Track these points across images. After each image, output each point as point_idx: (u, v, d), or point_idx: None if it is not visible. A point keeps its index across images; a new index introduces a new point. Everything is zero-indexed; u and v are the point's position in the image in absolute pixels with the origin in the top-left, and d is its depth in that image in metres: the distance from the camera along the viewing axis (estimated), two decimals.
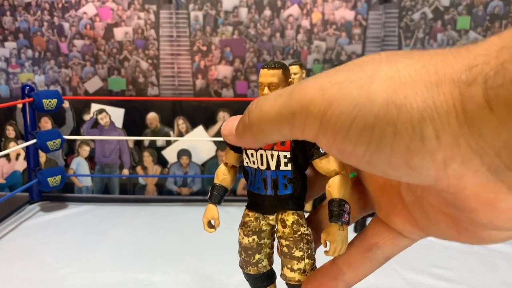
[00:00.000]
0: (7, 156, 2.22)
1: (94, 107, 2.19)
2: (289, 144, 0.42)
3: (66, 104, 2.16)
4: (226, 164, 0.49)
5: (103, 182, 2.24)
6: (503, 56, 0.17)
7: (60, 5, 2.14)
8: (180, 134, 2.18)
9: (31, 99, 1.83)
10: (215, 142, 2.15)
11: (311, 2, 2.16)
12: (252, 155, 0.42)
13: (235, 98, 2.11)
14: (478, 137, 0.18)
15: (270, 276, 0.46)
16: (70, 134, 2.16)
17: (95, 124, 2.19)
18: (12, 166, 2.24)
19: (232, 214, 1.88)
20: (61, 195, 2.09)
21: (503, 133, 0.17)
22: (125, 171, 2.22)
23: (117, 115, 2.19)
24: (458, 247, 1.57)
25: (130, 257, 1.44)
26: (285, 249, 0.39)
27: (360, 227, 1.69)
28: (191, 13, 2.13)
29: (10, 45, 2.18)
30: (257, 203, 0.45)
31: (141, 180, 2.24)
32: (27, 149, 1.94)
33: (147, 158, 2.21)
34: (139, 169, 2.23)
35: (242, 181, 2.18)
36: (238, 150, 0.47)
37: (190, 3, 2.13)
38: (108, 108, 2.18)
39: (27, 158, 1.99)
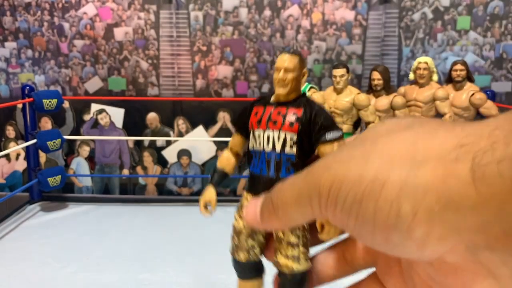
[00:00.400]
0: (7, 156, 2.22)
1: (94, 107, 2.19)
2: (297, 127, 0.43)
3: (66, 104, 2.16)
4: (231, 149, 0.51)
5: (103, 182, 2.24)
6: (494, 137, 0.17)
7: (60, 5, 2.14)
8: (180, 134, 2.18)
9: (31, 99, 1.83)
10: (215, 142, 2.16)
11: (311, 2, 2.16)
12: (259, 135, 0.44)
13: (235, 98, 2.11)
14: (456, 214, 0.18)
15: (258, 268, 0.44)
16: (70, 134, 2.16)
17: (95, 124, 2.19)
18: (12, 166, 2.24)
19: (231, 214, 1.88)
20: (61, 195, 2.09)
21: (483, 212, 0.18)
22: (125, 171, 2.22)
23: (117, 115, 2.19)
24: None
25: (131, 257, 1.44)
26: (280, 234, 0.38)
27: None
28: (191, 13, 2.14)
29: (10, 45, 2.18)
30: (257, 185, 0.46)
31: (141, 180, 2.24)
32: (27, 149, 1.94)
33: (147, 158, 2.22)
34: (139, 169, 2.23)
35: (242, 182, 2.18)
36: (245, 133, 0.48)
37: (190, 3, 2.13)
38: (108, 108, 2.18)
39: (27, 158, 1.99)
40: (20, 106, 2.09)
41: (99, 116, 2.18)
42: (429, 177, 0.19)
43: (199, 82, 2.14)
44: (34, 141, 1.85)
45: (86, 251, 1.48)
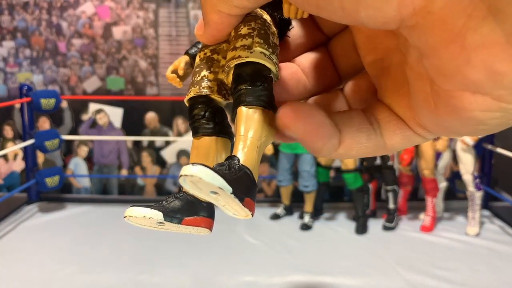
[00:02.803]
0: (5, 157, 2.20)
1: (93, 107, 2.17)
2: None
3: (64, 104, 2.15)
4: None
5: (102, 183, 2.23)
6: None
7: (58, 4, 2.12)
8: (179, 134, 2.17)
9: (29, 98, 1.82)
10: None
11: None
12: None
13: None
14: None
15: (215, 110, 0.27)
16: (68, 134, 2.14)
17: (94, 124, 2.18)
18: (10, 167, 2.22)
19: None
20: (59, 195, 2.08)
21: None
22: (124, 172, 2.21)
23: (115, 115, 2.18)
24: (459, 248, 1.56)
25: (130, 258, 1.42)
26: (232, 33, 0.25)
27: (362, 228, 1.69)
28: (190, 11, 2.12)
29: (8, 44, 2.16)
30: None
31: (140, 181, 2.23)
32: (25, 149, 1.93)
33: (146, 158, 2.20)
34: (138, 169, 2.21)
35: None
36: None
37: (189, 2, 2.12)
38: (106, 108, 2.17)
39: (25, 158, 1.97)
40: (18, 105, 2.07)
41: (98, 116, 2.17)
42: None
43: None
44: (32, 141, 1.83)
45: (85, 252, 1.47)
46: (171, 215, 0.24)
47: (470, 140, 1.66)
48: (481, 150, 1.85)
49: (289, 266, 1.39)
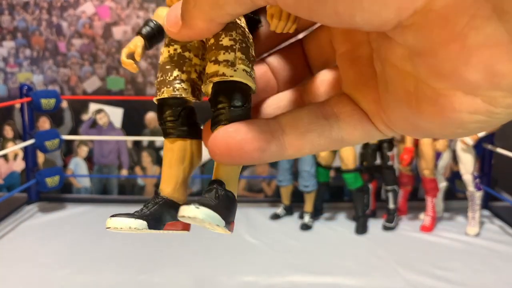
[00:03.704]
0: (5, 157, 2.20)
1: (93, 107, 2.17)
2: None
3: (64, 104, 2.15)
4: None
5: (102, 183, 2.23)
6: None
7: (58, 4, 2.13)
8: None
9: (29, 98, 1.82)
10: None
11: None
12: None
13: None
14: None
15: (188, 111, 0.27)
16: (69, 134, 2.14)
17: (94, 124, 2.18)
18: (10, 167, 2.23)
19: None
20: (59, 195, 2.08)
21: None
22: (124, 172, 2.21)
23: (116, 115, 2.18)
24: (459, 248, 1.56)
25: (130, 258, 1.43)
26: (211, 41, 0.24)
27: (362, 228, 1.69)
28: None
29: (8, 44, 2.16)
30: None
31: (140, 181, 2.23)
32: (25, 149, 1.93)
33: (146, 158, 2.20)
34: (138, 169, 2.21)
35: (242, 182, 2.16)
36: None
37: None
38: (106, 108, 2.17)
39: (25, 158, 1.97)
40: (18, 105, 2.07)
41: (98, 116, 2.17)
42: None
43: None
44: (32, 141, 1.84)
45: (85, 252, 1.47)
46: (153, 224, 0.25)
47: (470, 140, 1.66)
48: (481, 150, 1.85)
49: (289, 266, 1.39)
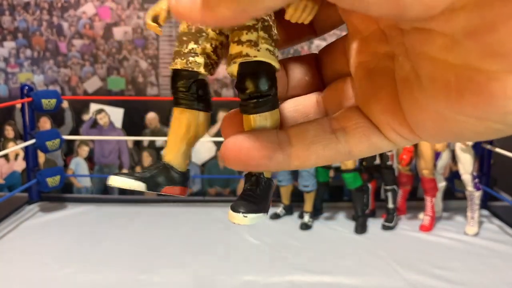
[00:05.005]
0: (6, 157, 2.21)
1: (93, 107, 2.18)
2: None
3: (65, 104, 2.15)
4: None
5: (102, 183, 2.24)
6: None
7: (59, 5, 2.13)
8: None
9: (30, 99, 1.83)
10: (215, 142, 2.15)
11: None
12: None
13: (235, 98, 2.11)
14: None
15: (200, 84, 0.27)
16: (69, 134, 2.15)
17: (94, 124, 2.19)
18: (11, 167, 2.23)
19: None
20: (60, 195, 2.08)
21: None
22: (125, 172, 2.21)
23: (116, 115, 2.18)
24: (458, 247, 1.57)
25: (130, 257, 1.43)
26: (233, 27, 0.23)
27: (361, 227, 1.69)
28: None
29: (9, 44, 2.17)
30: None
31: None
32: (26, 149, 1.94)
33: (147, 158, 2.21)
34: (138, 169, 2.22)
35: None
36: None
37: None
38: (107, 108, 2.18)
39: (26, 158, 1.98)
40: (19, 106, 2.08)
41: (98, 116, 2.18)
42: None
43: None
44: (33, 141, 1.84)
45: (86, 252, 1.47)
46: (152, 186, 0.26)
47: None
48: (480, 150, 1.86)
49: (289, 266, 1.39)
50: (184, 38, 0.27)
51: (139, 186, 0.25)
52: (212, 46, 0.27)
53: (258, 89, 0.24)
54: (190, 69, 0.27)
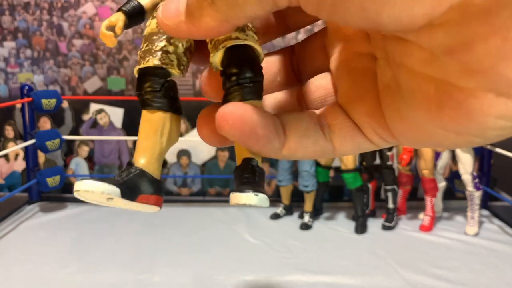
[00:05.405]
0: (6, 156, 2.21)
1: (93, 107, 2.18)
2: None
3: (65, 104, 2.15)
4: None
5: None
6: None
7: (59, 5, 2.13)
8: (180, 134, 2.17)
9: (30, 99, 1.82)
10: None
11: None
12: None
13: None
14: None
15: (171, 84, 0.26)
16: (69, 134, 2.15)
17: (94, 124, 2.19)
18: (11, 167, 2.23)
19: (231, 215, 1.88)
20: (60, 195, 2.08)
21: None
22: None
23: (116, 115, 2.18)
24: (459, 247, 1.57)
25: (130, 257, 1.43)
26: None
27: (361, 227, 1.69)
28: None
29: (9, 44, 2.17)
30: None
31: None
32: (26, 149, 1.94)
33: None
34: None
35: None
36: None
37: None
38: (107, 108, 2.18)
39: (26, 158, 1.98)
40: (19, 106, 2.08)
41: (98, 116, 2.18)
42: None
43: (199, 82, 2.14)
44: (33, 141, 1.84)
45: (86, 252, 1.47)
46: (127, 193, 0.23)
47: None
48: (480, 150, 1.86)
49: (289, 265, 1.39)
50: (154, 37, 0.26)
51: (113, 191, 0.22)
52: (183, 47, 0.26)
53: (247, 72, 0.23)
54: (164, 66, 0.25)
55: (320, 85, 0.25)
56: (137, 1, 0.31)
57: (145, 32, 0.27)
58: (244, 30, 0.23)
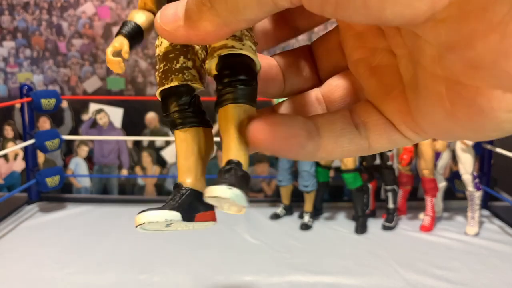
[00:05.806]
0: (5, 157, 2.21)
1: (93, 107, 2.18)
2: None
3: (64, 104, 2.15)
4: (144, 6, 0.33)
5: (102, 183, 2.23)
6: None
7: (58, 4, 2.13)
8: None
9: (29, 98, 1.82)
10: (215, 142, 2.14)
11: None
12: None
13: None
14: None
15: (197, 99, 0.26)
16: (69, 134, 2.15)
17: (94, 124, 2.18)
18: (10, 167, 2.23)
19: (231, 215, 1.87)
20: (59, 195, 2.08)
21: None
22: (124, 172, 2.21)
23: (116, 115, 2.18)
24: (459, 248, 1.56)
25: (130, 258, 1.43)
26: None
27: (361, 228, 1.69)
28: None
29: (9, 44, 2.17)
30: None
31: (140, 181, 2.23)
32: (25, 149, 1.93)
33: (146, 158, 2.20)
34: (138, 169, 2.22)
35: None
36: None
37: None
38: (107, 108, 2.17)
39: (25, 158, 1.98)
40: (18, 105, 2.08)
41: (98, 116, 2.17)
42: None
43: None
44: (33, 141, 1.84)
45: (85, 252, 1.47)
46: (186, 215, 0.24)
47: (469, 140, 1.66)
48: (480, 150, 1.86)
49: (289, 266, 1.39)
50: (171, 55, 0.25)
51: (175, 216, 0.23)
52: (199, 59, 0.26)
53: (240, 75, 0.22)
54: (188, 82, 0.25)
55: (339, 84, 0.25)
56: (134, 22, 0.31)
57: (158, 52, 0.26)
58: (242, 39, 0.23)
